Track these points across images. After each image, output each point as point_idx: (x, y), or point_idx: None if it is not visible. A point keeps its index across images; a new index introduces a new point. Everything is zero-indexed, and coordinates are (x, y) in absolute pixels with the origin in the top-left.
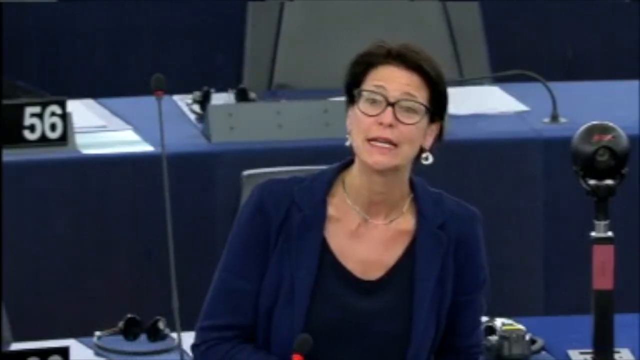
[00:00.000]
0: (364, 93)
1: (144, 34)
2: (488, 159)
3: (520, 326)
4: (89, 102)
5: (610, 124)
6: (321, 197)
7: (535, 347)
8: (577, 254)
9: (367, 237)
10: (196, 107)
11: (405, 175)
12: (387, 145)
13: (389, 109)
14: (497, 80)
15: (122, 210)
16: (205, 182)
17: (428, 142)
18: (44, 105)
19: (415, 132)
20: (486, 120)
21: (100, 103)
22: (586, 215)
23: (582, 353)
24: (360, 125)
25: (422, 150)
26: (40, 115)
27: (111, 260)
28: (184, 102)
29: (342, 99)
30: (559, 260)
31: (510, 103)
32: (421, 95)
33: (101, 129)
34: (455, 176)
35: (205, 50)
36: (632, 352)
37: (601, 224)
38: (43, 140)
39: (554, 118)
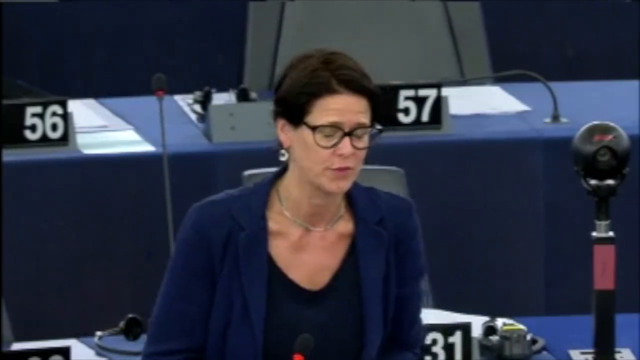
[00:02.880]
0: (320, 129)
1: (145, 34)
2: (489, 159)
3: (521, 326)
4: (90, 102)
5: (611, 124)
6: (260, 212)
7: (536, 347)
8: (577, 254)
9: (310, 246)
10: (197, 107)
11: None
12: (345, 172)
13: (346, 139)
14: (498, 80)
15: (123, 210)
16: (206, 182)
17: None
18: (45, 105)
19: (365, 153)
20: (487, 120)
21: (101, 103)
22: (587, 215)
23: (583, 353)
24: (318, 156)
25: None
26: (41, 115)
27: (112, 260)
28: (185, 102)
29: None
30: (559, 260)
31: (511, 103)
32: (368, 117)
33: (102, 129)
34: (455, 176)
35: (206, 50)
36: (633, 352)
37: (602, 224)
38: (44, 140)
39: (555, 118)
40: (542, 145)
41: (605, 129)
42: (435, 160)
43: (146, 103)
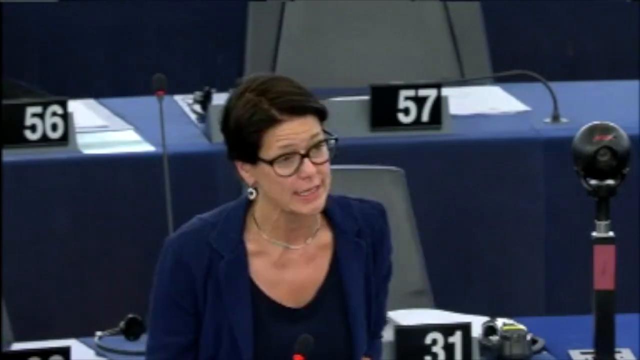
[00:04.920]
0: (277, 160)
1: (145, 34)
2: (489, 159)
3: (521, 326)
4: (90, 102)
5: (611, 124)
6: (238, 238)
7: (536, 347)
8: (578, 254)
9: (291, 263)
10: (197, 107)
11: None
12: (316, 191)
13: (305, 160)
14: (498, 80)
15: (123, 210)
16: (206, 182)
17: None
18: (45, 105)
19: (329, 163)
20: (487, 120)
21: (101, 103)
22: (587, 215)
23: (583, 353)
24: (284, 185)
25: None
26: (41, 115)
27: (112, 260)
28: (185, 102)
29: (343, 99)
30: (559, 260)
31: (511, 103)
32: (318, 127)
33: (102, 129)
34: (455, 176)
35: (206, 50)
36: (633, 352)
37: (602, 224)
38: (44, 140)
39: (555, 118)
40: (542, 145)
41: (605, 129)
42: (435, 160)
43: (146, 103)
